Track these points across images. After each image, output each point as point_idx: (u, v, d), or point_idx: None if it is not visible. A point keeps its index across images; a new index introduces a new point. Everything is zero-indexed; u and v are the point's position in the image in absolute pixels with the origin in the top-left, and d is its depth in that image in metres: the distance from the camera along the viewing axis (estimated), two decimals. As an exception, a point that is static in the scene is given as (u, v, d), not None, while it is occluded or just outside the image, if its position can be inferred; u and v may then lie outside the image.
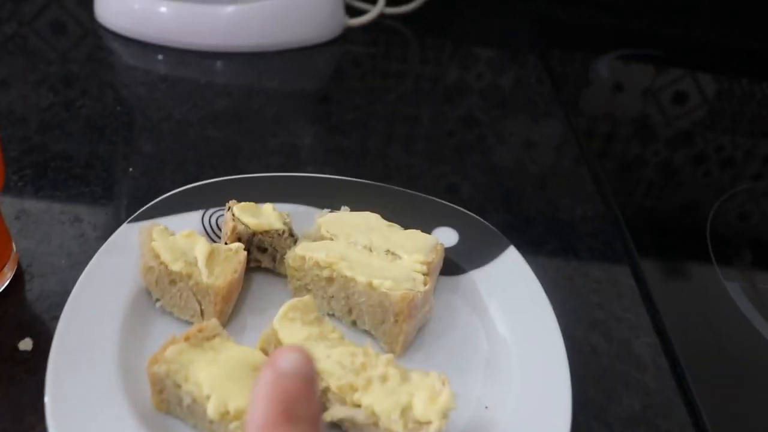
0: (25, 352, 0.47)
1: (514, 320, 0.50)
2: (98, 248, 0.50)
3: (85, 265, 0.49)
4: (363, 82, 0.82)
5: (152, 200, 0.54)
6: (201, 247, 0.48)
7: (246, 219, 0.50)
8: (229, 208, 0.52)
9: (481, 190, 0.66)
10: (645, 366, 0.51)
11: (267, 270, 0.53)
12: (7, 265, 0.51)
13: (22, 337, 0.48)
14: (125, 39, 0.83)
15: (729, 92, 0.95)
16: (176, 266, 0.46)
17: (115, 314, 0.47)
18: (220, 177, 0.57)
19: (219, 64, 0.81)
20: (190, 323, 0.48)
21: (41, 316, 0.50)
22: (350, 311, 0.49)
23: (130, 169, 0.63)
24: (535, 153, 0.73)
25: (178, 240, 0.49)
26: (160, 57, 0.81)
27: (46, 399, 0.41)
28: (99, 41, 0.83)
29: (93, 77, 0.76)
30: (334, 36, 0.87)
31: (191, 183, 0.57)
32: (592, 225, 0.64)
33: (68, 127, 0.67)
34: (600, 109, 0.85)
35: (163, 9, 0.80)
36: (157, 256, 0.47)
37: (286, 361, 0.29)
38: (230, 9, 0.79)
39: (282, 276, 0.52)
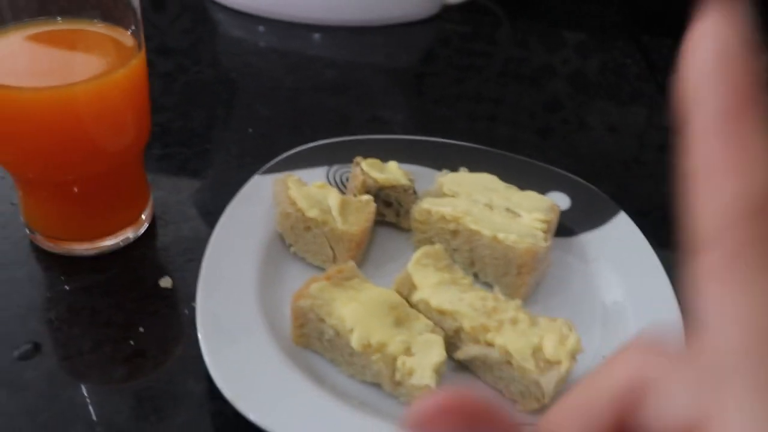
0: (166, 289, 0.51)
1: (627, 281, 0.51)
2: (223, 199, 0.53)
3: (213, 214, 0.52)
4: (455, 60, 0.84)
5: (272, 158, 0.57)
6: (334, 197, 0.51)
7: (374, 174, 0.53)
8: (357, 163, 0.54)
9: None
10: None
11: (389, 224, 0.55)
12: (145, 212, 0.55)
13: (162, 276, 0.51)
14: (230, 11, 0.86)
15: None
16: (312, 213, 0.49)
17: (253, 257, 0.50)
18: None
19: (321, 37, 0.84)
20: (321, 268, 0.51)
21: (176, 258, 0.53)
22: (473, 263, 0.51)
23: (250, 130, 0.66)
24: (619, 138, 0.75)
25: (311, 190, 0.52)
26: (261, 28, 0.84)
27: (199, 330, 0.43)
28: (204, 14, 0.86)
29: (204, 46, 0.79)
30: (432, 14, 0.89)
31: (307, 144, 0.59)
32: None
33: (187, 91, 0.71)
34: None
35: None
36: (293, 204, 0.50)
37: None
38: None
39: (403, 230, 0.54)
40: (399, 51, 0.84)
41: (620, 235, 0.55)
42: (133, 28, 0.47)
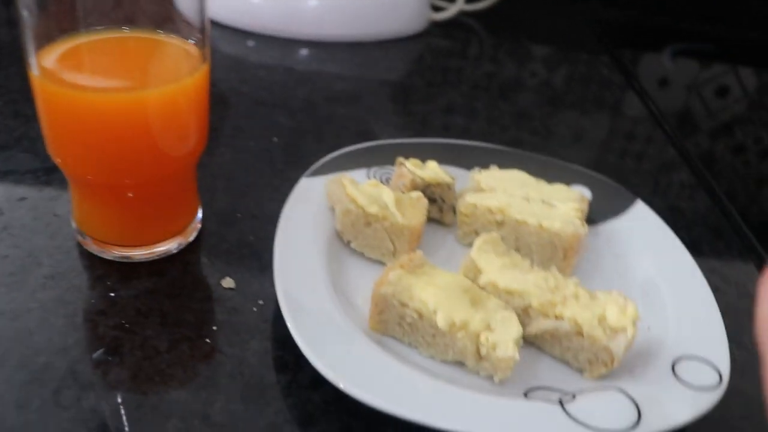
0: (229, 289, 0.52)
1: (656, 260, 0.56)
2: (265, 203, 0.57)
3: (258, 218, 0.56)
4: (440, 74, 0.89)
5: (301, 164, 0.60)
6: (388, 194, 0.54)
7: (420, 172, 0.56)
8: (401, 163, 0.58)
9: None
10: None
11: (432, 221, 0.58)
12: (197, 217, 0.56)
13: (223, 277, 0.53)
14: (220, 27, 0.89)
15: None
16: (372, 209, 0.52)
17: (317, 254, 0.52)
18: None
19: (317, 52, 0.87)
20: (380, 262, 0.54)
21: (232, 260, 0.55)
22: (518, 250, 0.55)
23: (275, 139, 0.68)
24: (585, 145, 0.80)
25: (366, 188, 0.55)
26: (251, 44, 0.87)
27: (287, 320, 0.45)
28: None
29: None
30: (420, 29, 0.94)
31: (332, 151, 0.62)
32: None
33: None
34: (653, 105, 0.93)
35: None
36: (354, 201, 0.53)
37: None
38: (328, 2, 0.86)
39: (446, 225, 0.58)
40: (396, 63, 0.89)
41: (641, 221, 0.60)
42: (199, 37, 0.49)
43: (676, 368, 0.47)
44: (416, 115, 0.79)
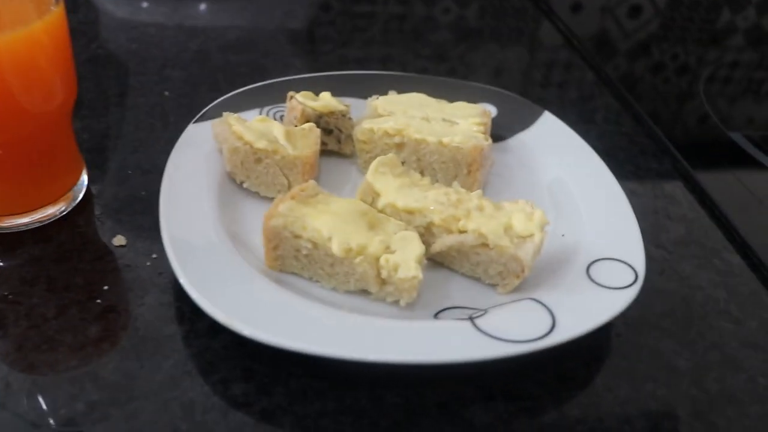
0: (120, 246, 0.49)
1: (566, 166, 0.55)
2: (156, 157, 0.53)
3: (151, 172, 0.52)
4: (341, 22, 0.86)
5: (196, 114, 0.56)
6: (278, 128, 0.51)
7: (311, 103, 0.54)
8: (292, 97, 0.55)
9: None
10: (680, 202, 0.57)
11: (332, 153, 0.56)
12: (81, 178, 0.53)
13: (114, 236, 0.50)
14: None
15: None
16: (261, 144, 0.49)
17: (208, 198, 0.49)
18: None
19: (210, 7, 0.84)
20: (276, 200, 0.51)
21: (123, 217, 0.52)
22: (422, 172, 0.53)
23: (166, 93, 0.65)
24: (506, 77, 0.78)
25: (254, 124, 0.52)
26: (145, 4, 0.83)
27: (174, 267, 0.43)
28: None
29: (94, 26, 0.77)
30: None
31: (236, 90, 0.59)
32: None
33: (91, 67, 0.69)
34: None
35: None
36: (240, 138, 0.50)
37: None
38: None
39: (346, 156, 0.55)
40: (294, 9, 0.85)
41: (549, 130, 0.58)
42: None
43: (591, 271, 0.46)
44: (322, 63, 0.76)
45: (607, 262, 0.46)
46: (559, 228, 0.50)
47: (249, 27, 0.79)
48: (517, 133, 0.58)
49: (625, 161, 0.62)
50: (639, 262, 0.46)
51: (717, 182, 0.59)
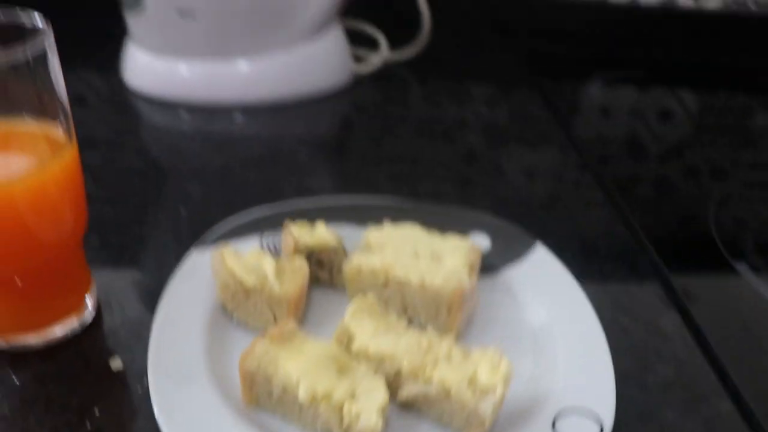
0: (118, 370, 0.52)
1: (551, 305, 0.56)
2: (164, 280, 0.56)
3: (157, 295, 0.55)
4: (370, 127, 0.89)
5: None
6: (269, 263, 0.54)
7: (304, 237, 0.56)
8: (287, 227, 0.58)
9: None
10: (673, 339, 0.57)
11: (325, 285, 0.58)
12: (90, 299, 0.57)
13: (114, 358, 0.53)
14: (151, 100, 0.90)
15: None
16: (250, 281, 0.52)
17: (198, 328, 0.52)
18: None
19: (242, 117, 0.88)
20: (264, 332, 0.53)
21: (125, 340, 0.55)
22: (405, 309, 0.55)
23: (182, 211, 0.69)
24: (538, 181, 0.80)
25: (247, 259, 0.55)
26: (184, 114, 0.88)
27: (155, 407, 0.45)
28: (126, 105, 0.90)
29: (129, 136, 0.83)
30: (344, 84, 0.94)
31: (237, 214, 0.63)
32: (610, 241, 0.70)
33: (117, 181, 0.74)
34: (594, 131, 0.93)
35: (183, 68, 0.87)
36: (232, 274, 0.53)
37: None
38: (244, 65, 0.87)
39: (339, 288, 0.58)
40: (318, 122, 0.89)
41: (539, 265, 0.59)
42: (61, 119, 0.50)
43: (557, 424, 0.46)
44: (351, 171, 0.79)
45: (575, 414, 0.47)
46: (538, 371, 0.51)
47: (274, 140, 0.83)
48: (509, 266, 0.60)
49: (619, 293, 0.62)
50: (608, 416, 0.46)
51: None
